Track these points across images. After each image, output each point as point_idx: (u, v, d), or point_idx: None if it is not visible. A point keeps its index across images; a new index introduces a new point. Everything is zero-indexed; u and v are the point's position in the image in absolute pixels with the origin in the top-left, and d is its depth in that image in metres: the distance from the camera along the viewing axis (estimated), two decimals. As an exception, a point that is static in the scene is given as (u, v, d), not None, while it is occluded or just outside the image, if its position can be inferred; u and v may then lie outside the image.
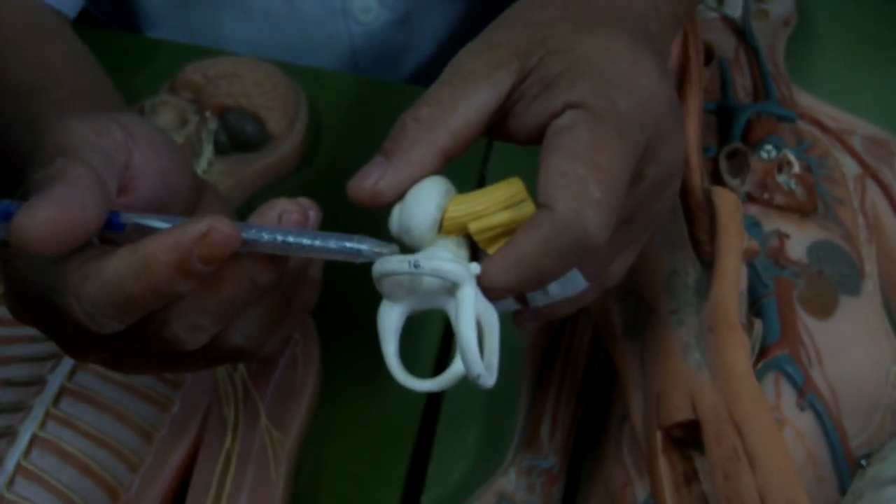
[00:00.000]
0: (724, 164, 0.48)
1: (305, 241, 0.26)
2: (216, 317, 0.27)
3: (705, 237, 0.34)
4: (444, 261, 0.26)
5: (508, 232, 0.27)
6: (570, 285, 0.30)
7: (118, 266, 0.25)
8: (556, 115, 0.28)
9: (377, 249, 0.27)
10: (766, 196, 0.46)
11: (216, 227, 0.25)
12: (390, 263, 0.27)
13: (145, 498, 0.36)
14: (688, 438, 0.32)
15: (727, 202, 0.36)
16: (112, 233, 0.27)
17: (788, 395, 0.39)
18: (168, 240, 0.25)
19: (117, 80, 0.42)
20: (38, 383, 0.38)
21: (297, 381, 0.40)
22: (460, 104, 0.28)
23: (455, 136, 0.28)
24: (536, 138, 0.29)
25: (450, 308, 0.27)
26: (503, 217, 0.27)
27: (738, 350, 0.31)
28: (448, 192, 0.28)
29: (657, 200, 0.30)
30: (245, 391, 0.39)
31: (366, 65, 0.62)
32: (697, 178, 0.36)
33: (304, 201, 0.28)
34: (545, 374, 0.40)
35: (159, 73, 0.52)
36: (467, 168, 0.49)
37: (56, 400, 0.38)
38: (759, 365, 0.39)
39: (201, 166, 0.48)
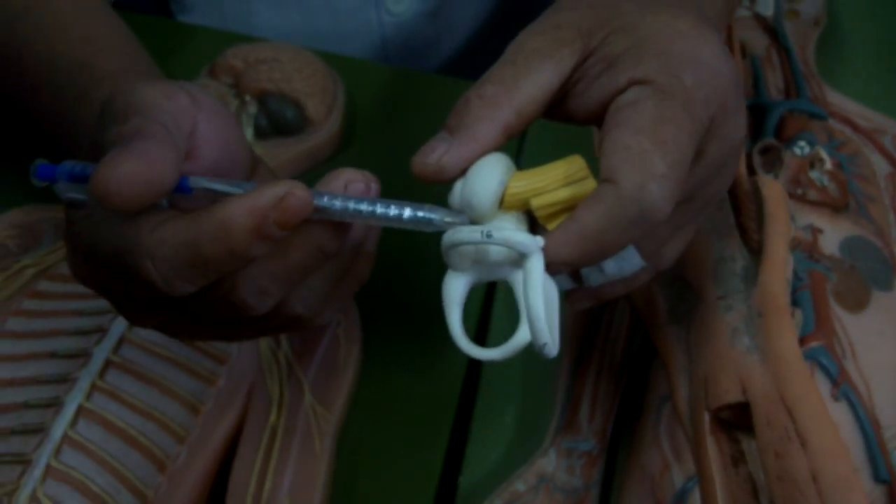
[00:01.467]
0: (757, 160, 0.49)
1: (378, 210, 0.27)
2: (282, 282, 0.27)
3: (752, 225, 0.35)
4: (514, 231, 0.27)
5: (569, 208, 0.28)
6: (627, 264, 0.31)
7: (195, 229, 0.26)
8: (620, 91, 0.28)
9: (448, 219, 0.27)
10: (799, 191, 0.47)
11: (293, 192, 0.26)
12: (462, 233, 0.27)
13: (192, 469, 0.37)
14: (735, 420, 0.32)
15: (775, 191, 0.36)
16: (180, 196, 0.27)
17: (823, 386, 0.39)
18: (246, 203, 0.25)
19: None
20: (83, 356, 0.39)
21: (340, 359, 0.40)
22: (524, 82, 0.29)
23: (519, 113, 0.29)
24: (598, 117, 0.29)
25: (514, 279, 0.27)
26: (565, 193, 0.28)
27: (788, 334, 0.32)
28: (509, 169, 0.29)
29: (716, 178, 0.30)
30: (289, 368, 0.39)
31: (395, 55, 0.62)
32: (744, 168, 0.37)
33: (367, 174, 0.29)
34: (584, 357, 0.40)
35: (196, 59, 0.52)
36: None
37: (102, 372, 0.38)
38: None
39: (242, 148, 0.48)
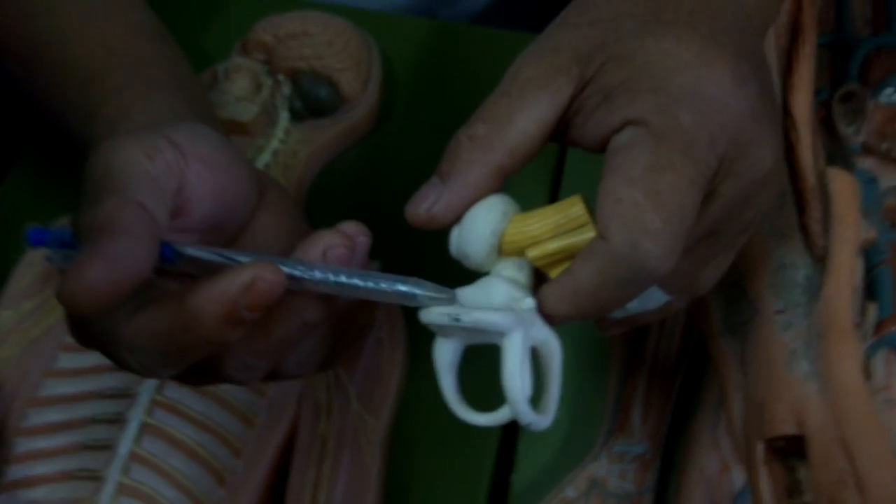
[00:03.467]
0: (837, 109, 0.44)
1: (356, 282, 0.26)
2: (268, 356, 0.27)
3: (817, 228, 0.32)
4: (485, 311, 0.25)
5: (570, 256, 0.26)
6: (650, 300, 0.29)
7: (167, 319, 0.25)
8: (616, 130, 0.26)
9: (432, 295, 0.26)
10: (884, 147, 0.42)
11: (261, 277, 0.25)
12: (431, 315, 0.26)
13: (249, 482, 0.38)
14: (791, 448, 0.31)
15: (845, 186, 0.32)
16: (165, 264, 0.27)
17: (899, 375, 0.37)
18: (214, 292, 0.25)
19: (185, 40, 0.40)
20: (141, 369, 0.40)
21: (384, 363, 0.40)
22: (517, 117, 0.26)
23: (512, 152, 0.27)
24: (601, 150, 0.27)
25: (503, 347, 0.26)
26: (560, 244, 0.26)
27: (850, 361, 0.29)
28: (506, 215, 0.27)
29: (745, 210, 0.27)
30: (335, 376, 0.40)
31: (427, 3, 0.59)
32: (810, 158, 0.33)
33: (351, 228, 0.27)
34: (636, 357, 0.39)
35: (229, 30, 0.50)
36: (540, 165, 0.46)
37: (160, 387, 0.40)
38: (871, 342, 0.36)
39: (278, 135, 0.47)
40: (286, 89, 0.47)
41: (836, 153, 0.41)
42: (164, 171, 0.27)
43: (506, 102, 0.27)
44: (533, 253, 0.26)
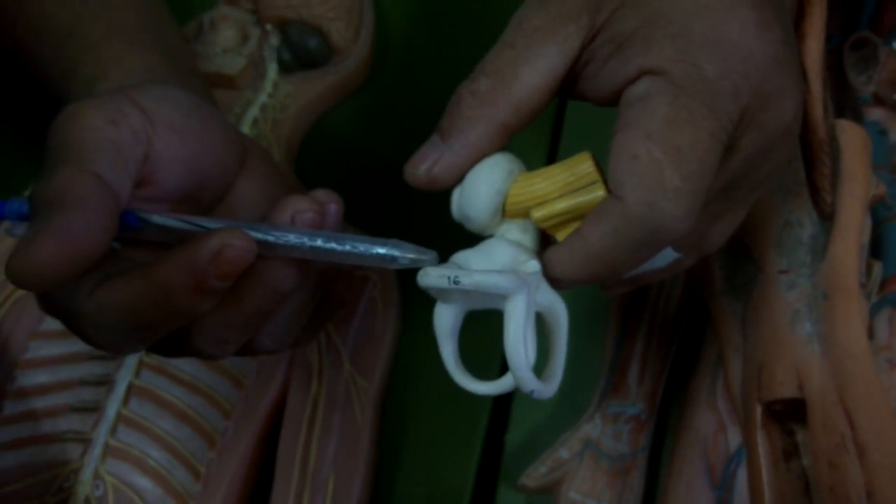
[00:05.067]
0: (848, 58, 0.42)
1: (333, 246, 0.24)
2: (241, 329, 0.26)
3: (826, 185, 0.30)
4: (487, 273, 0.24)
5: (579, 216, 0.25)
6: (659, 258, 0.27)
7: (133, 293, 0.24)
8: (631, 81, 0.24)
9: (413, 256, 0.25)
10: (895, 97, 0.41)
11: (229, 244, 0.23)
12: (430, 278, 0.25)
13: (240, 443, 0.38)
14: (790, 411, 0.30)
15: (855, 140, 0.31)
16: (131, 231, 0.25)
17: (903, 335, 0.36)
18: (181, 262, 0.23)
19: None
20: (128, 330, 0.39)
21: (378, 324, 0.39)
22: (523, 70, 0.25)
23: (518, 108, 0.25)
24: (613, 103, 0.25)
25: (506, 311, 0.25)
26: (568, 204, 0.25)
27: (855, 323, 0.28)
28: (510, 173, 0.26)
29: (763, 164, 0.26)
30: (327, 336, 0.39)
31: None
32: (819, 111, 0.31)
33: (322, 196, 0.26)
34: (633, 318, 0.38)
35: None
36: (538, 123, 0.45)
37: (147, 347, 0.39)
38: (875, 300, 0.35)
39: (266, 89, 0.45)
40: (274, 40, 0.46)
41: (846, 103, 0.39)
42: (128, 139, 0.25)
43: (510, 54, 0.25)
44: (538, 213, 0.25)
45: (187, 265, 0.23)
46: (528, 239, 0.26)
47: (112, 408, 0.38)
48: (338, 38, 0.45)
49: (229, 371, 0.39)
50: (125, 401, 0.38)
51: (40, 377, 0.39)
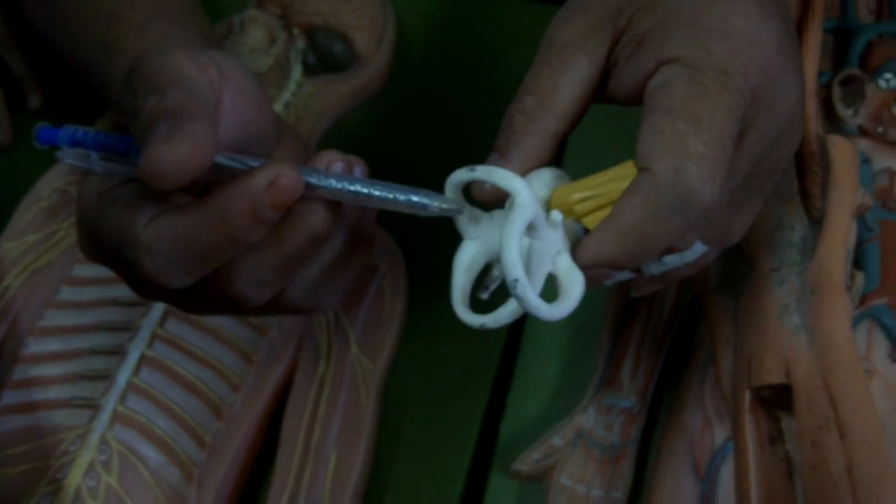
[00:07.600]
0: (837, 92, 0.45)
1: (371, 191, 0.26)
2: (279, 272, 0.28)
3: (817, 191, 0.33)
4: (502, 171, 0.26)
5: (612, 202, 0.26)
6: (688, 253, 0.29)
7: (191, 220, 0.26)
8: (650, 74, 0.27)
9: (443, 205, 0.27)
10: (879, 130, 0.43)
11: (283, 173, 0.26)
12: (455, 176, 0.27)
13: (247, 416, 0.39)
14: (776, 399, 0.32)
15: (844, 153, 0.34)
16: None
17: (881, 346, 0.38)
18: (240, 188, 0.26)
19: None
20: (144, 304, 0.41)
21: (385, 311, 0.41)
22: (562, 82, 0.28)
23: (564, 117, 0.28)
24: (637, 100, 0.28)
25: (510, 216, 0.26)
26: (603, 179, 0.26)
27: (840, 316, 0.31)
28: (561, 177, 0.28)
29: (775, 150, 0.28)
30: (336, 320, 0.41)
31: None
32: (813, 126, 0.34)
33: (353, 158, 0.28)
34: (629, 314, 0.40)
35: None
36: None
37: (162, 321, 0.40)
38: (855, 313, 0.38)
39: (290, 88, 0.47)
40: (300, 43, 0.48)
41: (834, 134, 0.42)
42: (209, 85, 0.28)
43: (548, 71, 0.28)
44: (576, 195, 0.26)
45: (245, 192, 0.25)
46: (567, 240, 0.27)
47: (123, 376, 0.39)
48: (361, 46, 0.48)
49: (240, 347, 0.40)
50: (136, 370, 0.39)
51: (52, 345, 0.40)
